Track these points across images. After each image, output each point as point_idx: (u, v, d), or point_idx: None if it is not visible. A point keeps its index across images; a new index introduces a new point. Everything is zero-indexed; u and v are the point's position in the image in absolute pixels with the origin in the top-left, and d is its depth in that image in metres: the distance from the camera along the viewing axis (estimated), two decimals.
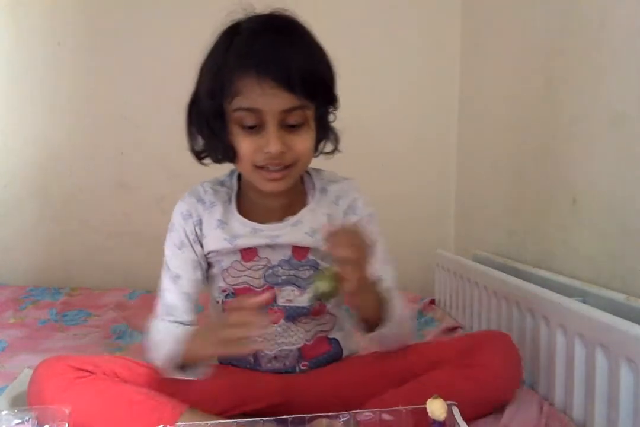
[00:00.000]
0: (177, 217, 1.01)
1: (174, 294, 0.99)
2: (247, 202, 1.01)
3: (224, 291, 1.01)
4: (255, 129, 0.88)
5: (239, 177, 1.02)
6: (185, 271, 0.99)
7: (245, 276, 0.99)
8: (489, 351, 0.93)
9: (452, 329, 1.49)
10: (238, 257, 0.99)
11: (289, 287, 0.98)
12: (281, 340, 0.99)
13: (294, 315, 0.99)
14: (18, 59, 2.08)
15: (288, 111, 0.86)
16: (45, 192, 2.10)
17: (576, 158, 1.19)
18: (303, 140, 0.90)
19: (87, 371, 0.90)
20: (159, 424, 0.82)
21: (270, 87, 0.84)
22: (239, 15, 0.91)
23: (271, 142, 0.86)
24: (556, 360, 1.00)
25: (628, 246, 1.02)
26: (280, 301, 0.98)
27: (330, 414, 0.81)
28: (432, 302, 1.77)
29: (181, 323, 0.98)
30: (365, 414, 0.80)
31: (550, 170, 1.30)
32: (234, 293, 1.00)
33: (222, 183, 1.03)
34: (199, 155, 0.97)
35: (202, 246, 1.00)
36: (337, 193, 1.02)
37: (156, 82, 1.96)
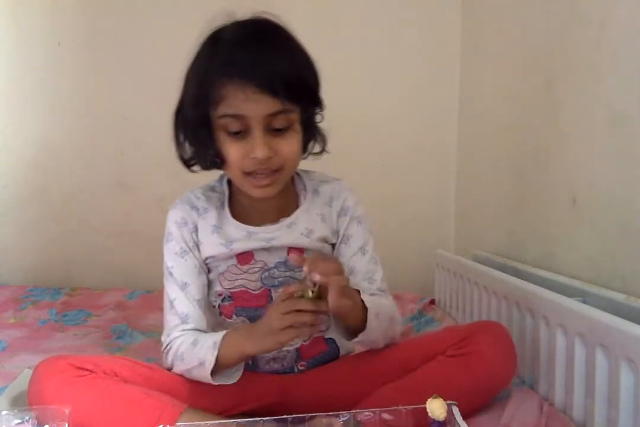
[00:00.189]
0: (172, 227, 1.01)
1: (185, 302, 0.98)
2: (239, 206, 1.01)
3: (220, 294, 1.01)
4: (241, 134, 0.88)
5: (229, 181, 1.03)
6: (191, 278, 0.99)
7: (241, 279, 0.99)
8: (482, 340, 0.93)
9: None
10: (234, 261, 0.99)
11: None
12: None
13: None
14: (18, 59, 2.08)
15: (272, 115, 0.87)
16: (45, 192, 2.10)
17: (576, 158, 1.19)
18: (289, 144, 0.90)
19: (87, 369, 0.90)
20: (159, 423, 0.82)
21: (253, 93, 0.84)
22: (221, 21, 0.91)
23: (257, 148, 0.87)
24: (556, 360, 1.00)
25: (628, 246, 1.02)
26: None
27: (330, 413, 0.81)
28: (432, 302, 1.76)
29: (198, 330, 0.98)
30: (365, 414, 0.80)
31: (550, 170, 1.30)
32: (230, 297, 1.00)
33: (212, 188, 1.04)
34: (187, 163, 0.98)
35: (199, 251, 1.00)
36: (330, 194, 1.03)
37: (156, 82, 1.95)
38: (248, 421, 0.82)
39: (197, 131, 0.92)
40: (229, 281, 1.00)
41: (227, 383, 0.91)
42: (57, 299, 1.85)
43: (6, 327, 1.57)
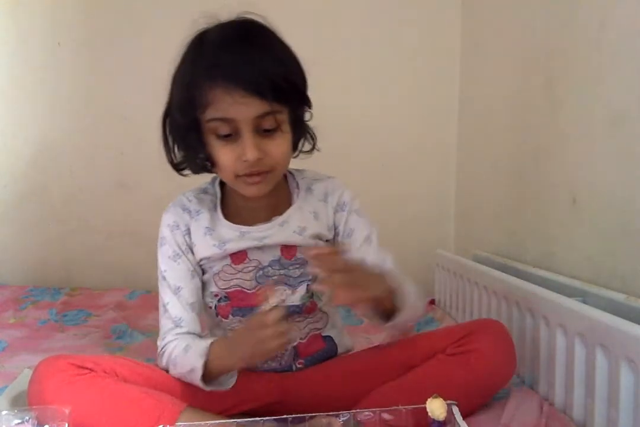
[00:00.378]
0: (165, 231, 1.01)
1: (179, 306, 0.99)
2: (232, 206, 1.02)
3: (216, 295, 1.01)
4: (230, 137, 0.88)
5: (221, 183, 1.03)
6: (185, 282, 1.00)
7: (236, 278, 0.99)
8: (482, 338, 0.93)
9: None
10: (228, 261, 0.99)
11: (281, 287, 0.99)
12: None
13: (287, 314, 0.99)
14: (18, 59, 2.08)
15: (261, 117, 0.86)
16: (45, 192, 2.10)
17: (576, 158, 1.19)
18: (278, 145, 0.90)
19: (87, 368, 0.90)
20: (159, 423, 0.82)
21: (241, 96, 0.84)
22: (204, 24, 0.91)
23: (247, 150, 0.87)
24: (556, 360, 1.00)
25: (628, 246, 1.02)
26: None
27: (330, 413, 0.81)
28: (432, 302, 1.77)
29: (192, 333, 0.98)
30: (365, 414, 0.81)
31: (550, 170, 1.30)
32: (226, 297, 1.00)
33: (205, 191, 1.04)
34: (177, 167, 0.98)
35: (193, 254, 1.00)
36: (324, 191, 1.03)
37: (156, 82, 1.95)
38: (248, 421, 0.82)
39: (186, 135, 0.92)
40: (224, 281, 1.00)
41: (221, 389, 0.91)
42: (57, 299, 1.86)
43: (6, 327, 1.57)
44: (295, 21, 1.97)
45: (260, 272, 0.99)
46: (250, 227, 0.99)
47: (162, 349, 0.97)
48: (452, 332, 0.99)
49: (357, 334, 1.36)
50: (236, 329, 0.91)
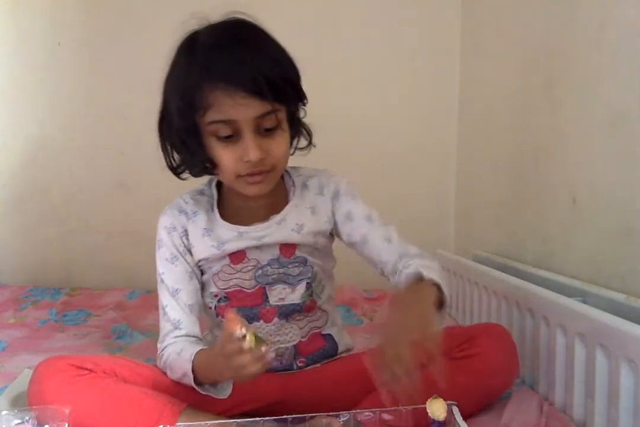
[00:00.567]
0: (162, 233, 1.01)
1: (177, 308, 0.99)
2: (229, 207, 1.01)
3: (215, 295, 1.01)
4: (231, 138, 0.88)
5: (218, 184, 1.03)
6: (183, 284, 1.00)
7: (235, 278, 0.99)
8: (485, 343, 0.93)
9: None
10: (227, 261, 0.99)
11: (280, 286, 0.99)
12: (276, 338, 1.00)
13: (286, 313, 1.00)
14: (18, 59, 2.07)
15: (261, 117, 0.87)
16: (45, 192, 2.10)
17: (576, 158, 1.19)
18: (279, 144, 0.91)
19: (87, 369, 0.90)
20: (159, 423, 0.82)
21: (241, 98, 0.84)
22: (194, 25, 0.91)
23: (250, 151, 0.87)
24: (556, 360, 1.00)
25: (628, 246, 1.02)
26: (273, 300, 0.99)
27: (330, 413, 0.81)
28: None
29: (191, 336, 0.98)
30: (365, 414, 0.81)
31: (550, 170, 1.30)
32: (226, 297, 1.00)
33: (201, 192, 1.04)
34: (176, 171, 0.98)
35: (191, 255, 1.00)
36: (319, 184, 1.03)
37: (156, 82, 1.96)
38: (248, 421, 0.82)
39: (186, 139, 0.91)
40: (223, 281, 1.00)
41: (216, 397, 0.89)
42: (57, 299, 1.86)
43: (6, 327, 1.57)
44: (296, 21, 1.97)
45: (260, 271, 0.99)
46: (248, 227, 0.99)
47: (161, 351, 0.97)
48: (454, 336, 0.99)
49: (357, 334, 1.36)
50: (214, 350, 0.85)
